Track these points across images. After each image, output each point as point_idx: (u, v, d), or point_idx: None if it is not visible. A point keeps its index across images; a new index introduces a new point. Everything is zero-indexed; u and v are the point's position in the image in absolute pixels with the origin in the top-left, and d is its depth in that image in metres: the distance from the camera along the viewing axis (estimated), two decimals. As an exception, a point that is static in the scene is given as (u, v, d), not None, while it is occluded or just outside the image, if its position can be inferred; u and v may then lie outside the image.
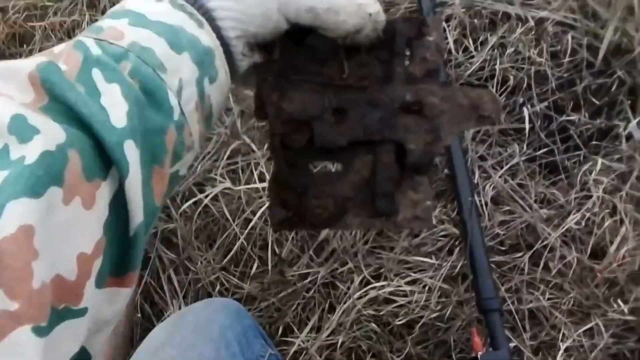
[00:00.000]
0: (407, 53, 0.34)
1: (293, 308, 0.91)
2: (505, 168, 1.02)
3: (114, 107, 0.27)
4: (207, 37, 0.31)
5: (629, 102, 1.07)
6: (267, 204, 0.93)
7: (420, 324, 0.90)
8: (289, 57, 0.34)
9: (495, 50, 1.10)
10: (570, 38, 1.09)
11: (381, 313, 0.90)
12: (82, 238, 0.26)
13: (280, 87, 0.33)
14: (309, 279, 0.92)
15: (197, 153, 0.34)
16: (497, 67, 1.08)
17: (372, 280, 0.93)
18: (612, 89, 1.07)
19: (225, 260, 0.92)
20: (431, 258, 0.95)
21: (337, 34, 0.32)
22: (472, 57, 1.11)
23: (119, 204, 0.28)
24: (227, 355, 0.53)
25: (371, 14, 0.32)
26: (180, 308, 0.87)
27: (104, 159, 0.27)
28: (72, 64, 0.28)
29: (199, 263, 0.91)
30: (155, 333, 0.58)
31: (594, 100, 1.07)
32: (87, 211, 0.26)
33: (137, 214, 0.28)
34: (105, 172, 0.27)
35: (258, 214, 0.93)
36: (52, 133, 0.25)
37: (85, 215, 0.26)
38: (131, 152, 0.27)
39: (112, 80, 0.28)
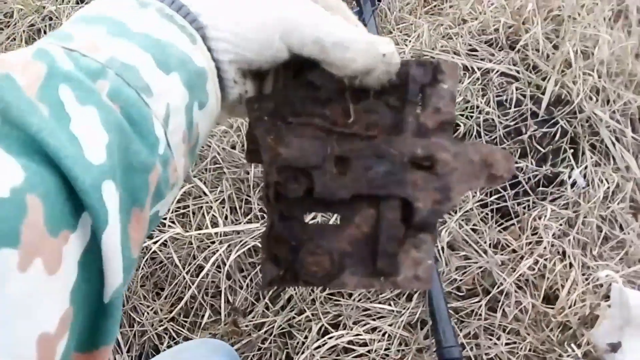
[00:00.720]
0: (419, 102, 0.31)
1: (248, 360, 0.85)
2: (459, 213, 1.03)
3: (90, 137, 0.22)
4: (200, 57, 0.27)
5: (572, 150, 1.12)
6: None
7: (380, 374, 0.86)
8: (286, 93, 0.30)
9: (446, 98, 1.13)
10: (514, 89, 1.14)
11: (341, 363, 0.86)
12: (43, 314, 0.20)
13: (276, 129, 0.30)
14: (264, 329, 0.87)
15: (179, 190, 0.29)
16: (448, 114, 1.10)
17: (330, 329, 0.89)
18: (556, 137, 1.12)
19: (175, 310, 0.85)
20: (390, 305, 0.93)
21: (344, 73, 0.28)
22: (424, 104, 1.13)
23: (91, 261, 0.22)
24: None
25: (385, 54, 0.28)
26: (124, 364, 0.79)
27: (74, 203, 0.21)
28: (31, 78, 0.22)
29: (145, 314, 0.85)
30: None
31: (539, 147, 1.11)
32: (51, 276, 0.20)
33: (114, 275, 0.22)
34: (75, 219, 0.21)
35: (211, 261, 0.88)
36: (5, 172, 0.19)
37: (48, 283, 0.20)
38: (110, 197, 0.22)
39: (86, 102, 0.22)
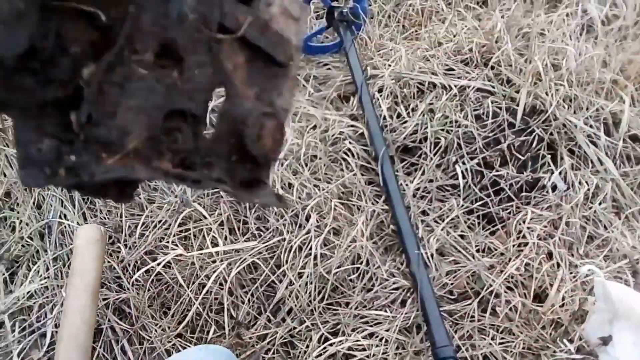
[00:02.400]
0: None
1: (252, 370, 0.89)
2: (446, 221, 1.09)
3: None
4: None
5: (550, 155, 1.18)
6: (217, 268, 0.94)
7: (380, 376, 0.90)
8: None
9: (425, 116, 1.20)
10: (490, 102, 1.21)
11: (341, 369, 0.90)
12: None
13: None
14: (267, 340, 0.91)
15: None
16: (428, 130, 1.17)
17: (330, 337, 0.93)
18: (534, 145, 1.18)
19: (181, 326, 0.90)
20: (385, 311, 0.97)
21: None
22: (405, 122, 1.20)
23: None
24: None
25: None
26: (134, 379, 0.84)
27: None
28: None
29: (154, 331, 0.89)
30: None
31: (518, 155, 1.17)
32: None
33: None
34: None
35: (212, 278, 0.94)
36: None
37: None
38: None
39: None
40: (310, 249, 0.97)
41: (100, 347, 0.87)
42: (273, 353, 0.91)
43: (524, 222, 1.10)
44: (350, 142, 1.15)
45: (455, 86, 1.23)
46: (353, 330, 0.95)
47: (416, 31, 1.42)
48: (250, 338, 0.91)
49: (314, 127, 1.18)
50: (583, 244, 1.10)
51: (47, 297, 0.93)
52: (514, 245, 1.07)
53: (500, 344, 0.98)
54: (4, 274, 0.98)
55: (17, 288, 0.96)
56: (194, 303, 0.91)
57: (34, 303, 0.92)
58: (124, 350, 0.88)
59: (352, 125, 1.19)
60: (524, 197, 1.15)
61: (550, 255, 1.07)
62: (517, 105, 1.21)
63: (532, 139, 1.18)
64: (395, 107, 1.23)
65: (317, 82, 1.31)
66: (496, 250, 1.07)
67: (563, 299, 1.03)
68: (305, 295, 0.95)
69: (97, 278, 0.86)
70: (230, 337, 0.91)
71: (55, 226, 1.03)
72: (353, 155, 1.14)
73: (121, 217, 1.04)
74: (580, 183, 1.16)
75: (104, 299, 0.91)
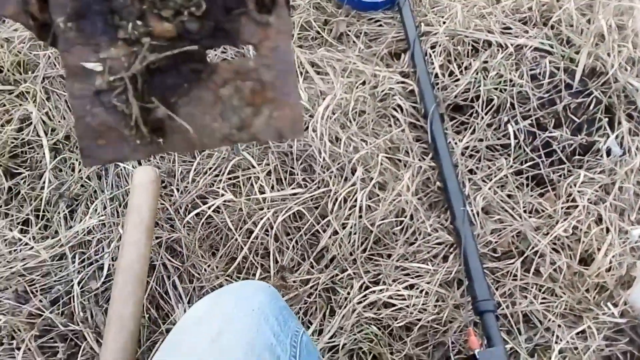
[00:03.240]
0: None
1: (295, 312, 0.93)
2: (494, 180, 1.08)
3: None
4: None
5: (607, 119, 1.14)
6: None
7: (418, 326, 0.92)
8: None
9: (479, 74, 1.17)
10: (547, 62, 1.18)
11: (381, 316, 0.92)
12: None
13: None
14: (310, 285, 0.94)
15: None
16: (481, 88, 1.15)
17: (371, 286, 0.95)
18: (591, 108, 1.14)
19: (229, 269, 0.94)
20: (427, 264, 0.98)
21: None
22: (458, 80, 1.18)
23: None
24: (267, 328, 0.54)
25: None
26: (185, 312, 0.89)
27: None
28: None
29: (203, 270, 0.94)
30: (197, 307, 0.60)
31: (574, 117, 1.14)
32: None
33: None
34: None
35: (260, 225, 0.97)
36: None
37: None
38: None
39: None
40: (355, 200, 0.99)
41: (153, 282, 0.92)
42: (315, 297, 0.94)
43: (574, 184, 1.08)
44: (399, 99, 1.15)
45: (512, 45, 1.20)
46: (394, 281, 0.96)
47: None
48: (294, 282, 0.94)
49: (363, 82, 1.18)
50: (635, 211, 1.07)
51: (104, 233, 0.98)
52: (562, 208, 1.06)
53: (541, 303, 0.98)
54: (64, 211, 1.04)
55: (76, 224, 1.01)
56: (242, 247, 0.95)
57: (92, 238, 0.98)
58: (174, 285, 0.93)
59: (402, 82, 1.18)
60: (577, 161, 1.12)
61: (600, 219, 1.05)
62: (576, 66, 1.17)
63: (590, 101, 1.15)
64: (448, 64, 1.21)
65: (367, 39, 1.30)
66: (544, 212, 1.06)
67: (610, 263, 1.01)
68: (349, 245, 0.97)
69: (152, 216, 0.90)
70: (275, 280, 0.94)
71: (112, 169, 1.08)
72: (402, 111, 1.14)
73: (173, 162, 1.08)
74: (637, 148, 1.12)
75: (157, 238, 0.95)
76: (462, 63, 1.21)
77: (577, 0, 1.26)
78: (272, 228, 0.97)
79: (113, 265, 0.92)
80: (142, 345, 0.86)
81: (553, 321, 0.96)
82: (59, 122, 1.10)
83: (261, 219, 0.97)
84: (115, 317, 0.80)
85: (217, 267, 0.94)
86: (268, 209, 0.99)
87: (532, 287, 0.99)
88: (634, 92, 1.16)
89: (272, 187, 1.02)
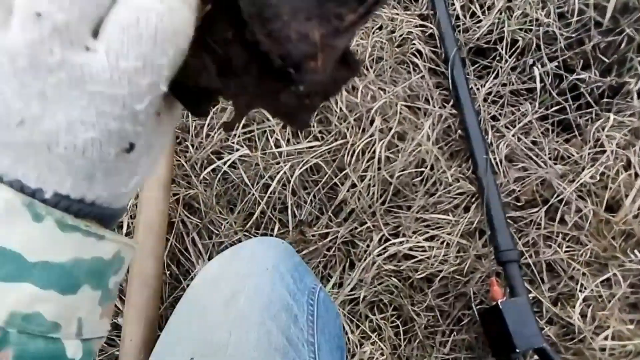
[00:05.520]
0: None
1: (315, 265, 0.93)
2: (518, 126, 1.04)
3: None
4: (112, 247, 0.26)
5: (639, 59, 1.08)
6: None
7: (439, 277, 0.91)
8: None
9: (503, 14, 1.11)
10: (577, -1, 1.10)
11: (401, 268, 0.92)
12: None
13: None
14: (329, 238, 0.93)
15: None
16: (505, 29, 1.09)
17: (390, 238, 0.94)
18: (621, 47, 1.08)
19: (247, 224, 0.94)
20: (448, 215, 0.96)
21: None
22: (480, 21, 1.12)
23: None
24: (282, 287, 0.54)
25: None
26: (204, 268, 0.89)
27: None
28: None
29: (222, 227, 0.94)
30: (212, 265, 0.60)
31: (603, 58, 1.08)
32: None
33: None
34: None
35: (276, 179, 0.95)
36: None
37: None
38: None
39: None
40: (374, 152, 0.96)
41: (172, 238, 0.92)
42: (334, 251, 0.94)
43: (603, 129, 1.03)
44: (419, 43, 1.10)
45: (538, -20, 1.13)
46: (414, 232, 0.95)
47: None
48: (313, 236, 0.94)
49: (380, 27, 1.13)
50: (667, 155, 1.03)
51: (123, 191, 0.98)
52: (589, 154, 1.02)
53: (565, 252, 0.96)
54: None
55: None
56: (259, 202, 0.94)
57: (112, 196, 0.98)
58: (194, 242, 0.93)
59: (421, 25, 1.13)
60: (605, 104, 1.07)
61: (628, 164, 1.01)
62: (607, 1, 1.09)
63: (621, 39, 1.08)
64: (470, 4, 1.14)
65: (385, -20, 1.24)
66: (570, 158, 1.02)
67: (638, 209, 0.98)
68: (367, 197, 0.95)
69: (169, 173, 0.89)
70: (294, 234, 0.93)
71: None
72: (421, 56, 1.09)
73: (187, 117, 1.06)
74: (671, 89, 1.06)
75: (174, 194, 0.95)
76: (485, 2, 1.14)
77: None
78: (289, 182, 0.96)
79: (132, 223, 0.92)
80: (164, 301, 0.87)
81: (577, 269, 0.95)
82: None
83: (278, 173, 0.96)
84: (137, 273, 0.80)
85: (235, 223, 0.94)
86: (284, 163, 0.97)
87: (556, 236, 0.97)
88: (670, 28, 1.09)
89: (288, 141, 1.00)
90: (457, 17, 1.13)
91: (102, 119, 0.22)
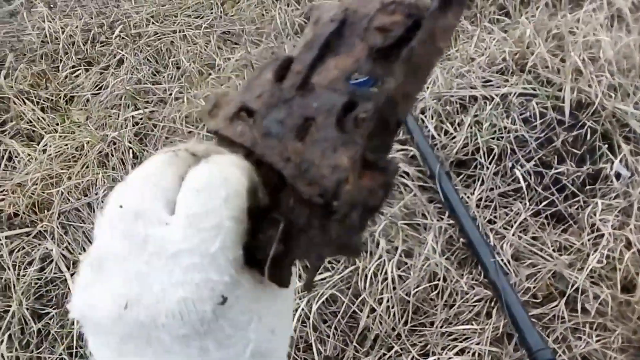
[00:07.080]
0: None
1: (351, 401, 0.88)
2: (515, 226, 1.07)
3: None
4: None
5: (606, 145, 1.16)
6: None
7: (481, 390, 0.88)
8: None
9: (473, 128, 1.21)
10: (535, 104, 1.22)
11: (439, 388, 0.88)
12: None
13: None
14: (359, 370, 0.91)
15: None
16: (479, 140, 1.18)
17: (420, 359, 0.92)
18: (588, 138, 1.17)
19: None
20: (472, 324, 0.96)
21: None
22: (454, 137, 1.21)
23: None
24: None
25: None
26: None
27: None
28: None
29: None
30: None
31: (574, 150, 1.16)
32: None
33: None
34: None
35: (295, 317, 0.94)
36: None
37: None
38: None
39: None
40: (386, 273, 0.98)
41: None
42: (368, 382, 0.90)
43: (594, 214, 1.08)
44: (403, 165, 1.17)
45: (497, 95, 1.24)
46: (443, 348, 0.93)
47: (446, 52, 1.45)
48: (343, 370, 0.91)
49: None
50: (661, 227, 1.07)
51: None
52: (589, 239, 1.05)
53: (597, 341, 0.95)
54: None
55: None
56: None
57: None
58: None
59: (402, 150, 1.21)
60: (589, 190, 1.13)
61: (629, 243, 1.04)
62: (563, 102, 1.21)
63: (585, 132, 1.18)
64: (441, 125, 1.24)
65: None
66: (572, 247, 1.05)
67: (654, 286, 0.99)
68: (389, 320, 0.95)
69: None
70: (323, 372, 0.90)
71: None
72: (409, 176, 1.16)
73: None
74: (644, 167, 1.14)
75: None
76: (455, 121, 1.25)
77: (546, 44, 1.33)
78: (308, 318, 0.95)
79: None
80: None
81: (615, 358, 0.93)
82: (80, 253, 1.10)
83: (295, 310, 0.95)
84: None
85: None
86: (301, 299, 0.97)
87: (583, 327, 0.96)
88: (625, 116, 1.19)
89: (300, 277, 1.01)
90: (433, 137, 1.22)
91: (186, 275, 0.25)
